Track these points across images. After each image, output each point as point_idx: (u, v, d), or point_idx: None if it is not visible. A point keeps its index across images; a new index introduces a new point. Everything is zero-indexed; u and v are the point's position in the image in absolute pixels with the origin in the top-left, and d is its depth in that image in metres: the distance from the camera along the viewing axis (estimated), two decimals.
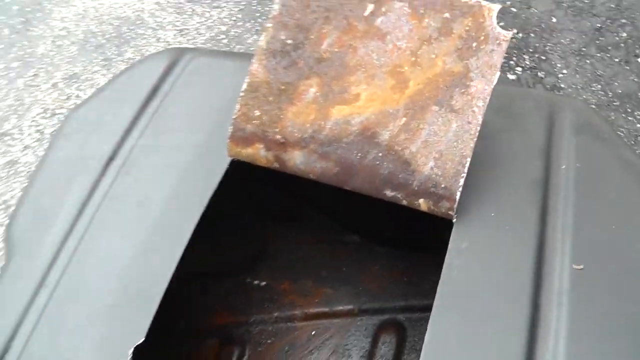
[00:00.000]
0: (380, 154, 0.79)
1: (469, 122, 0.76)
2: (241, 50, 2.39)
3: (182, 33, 2.51)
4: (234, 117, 0.88)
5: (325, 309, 1.34)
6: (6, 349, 0.83)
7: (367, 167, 0.80)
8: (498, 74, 0.77)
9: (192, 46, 2.43)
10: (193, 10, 2.61)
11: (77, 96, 2.38)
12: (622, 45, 2.19)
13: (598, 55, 2.17)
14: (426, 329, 1.25)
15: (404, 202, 0.80)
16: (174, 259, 0.83)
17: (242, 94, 0.88)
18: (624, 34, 2.24)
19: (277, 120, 0.85)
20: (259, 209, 1.34)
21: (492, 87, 0.77)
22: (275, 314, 1.35)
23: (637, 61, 2.16)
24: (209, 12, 2.59)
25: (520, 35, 2.29)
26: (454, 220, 0.79)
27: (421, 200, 0.78)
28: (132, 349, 0.77)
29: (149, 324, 0.78)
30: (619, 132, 1.88)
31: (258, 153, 0.87)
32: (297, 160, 0.84)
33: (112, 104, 1.08)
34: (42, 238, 0.92)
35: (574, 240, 0.76)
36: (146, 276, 0.84)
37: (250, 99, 0.87)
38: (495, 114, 0.88)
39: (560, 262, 0.74)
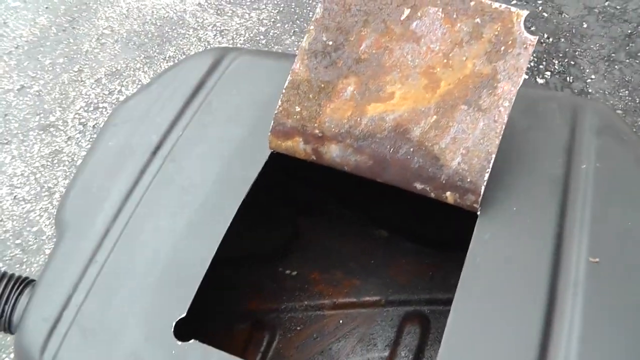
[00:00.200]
0: (411, 149, 0.85)
1: (495, 121, 0.82)
2: (279, 51, 2.46)
3: (222, 33, 2.60)
4: (276, 112, 0.94)
5: (353, 299, 1.39)
6: (58, 318, 0.89)
7: (398, 161, 0.86)
8: (524, 76, 0.82)
9: (232, 46, 2.51)
10: (233, 11, 2.69)
11: (120, 91, 2.48)
12: None
13: (627, 61, 2.19)
14: None
15: (432, 195, 0.85)
16: (215, 241, 0.88)
17: (284, 90, 0.94)
18: None
19: (316, 115, 0.91)
20: (292, 203, 1.40)
21: (518, 88, 0.82)
22: (305, 303, 1.40)
23: None
24: (248, 13, 2.67)
25: (551, 40, 2.32)
26: (478, 213, 0.84)
27: (448, 193, 0.84)
28: (174, 323, 0.83)
29: (191, 301, 0.84)
30: None
31: (297, 146, 0.93)
32: (333, 153, 0.91)
33: (159, 97, 1.13)
34: (92, 219, 0.98)
35: (591, 235, 0.81)
36: (189, 256, 0.90)
37: (292, 95, 0.94)
38: (520, 114, 0.93)
39: (577, 255, 0.79)
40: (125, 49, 2.62)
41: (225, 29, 2.62)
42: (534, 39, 0.83)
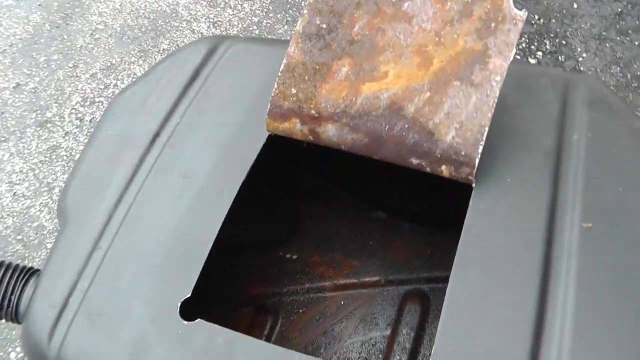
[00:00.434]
0: (406, 126, 0.87)
1: (488, 95, 0.83)
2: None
3: (216, 25, 2.61)
4: (272, 95, 0.95)
5: (354, 280, 1.42)
6: (65, 305, 0.90)
7: (394, 137, 0.88)
8: (514, 51, 0.84)
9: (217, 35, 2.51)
10: (226, 2, 2.70)
11: (115, 85, 2.50)
12: None
13: (618, 39, 2.21)
14: None
15: (428, 169, 0.87)
16: (217, 222, 0.90)
17: (279, 74, 0.95)
18: None
19: (312, 97, 0.93)
20: (290, 188, 1.41)
21: (509, 63, 0.84)
22: (307, 285, 1.42)
23: None
24: (241, 4, 2.68)
25: (542, 21, 2.34)
26: (473, 185, 0.86)
27: (443, 167, 0.86)
28: (179, 303, 0.84)
29: (195, 281, 0.86)
30: (637, 113, 1.92)
31: (294, 127, 0.95)
32: (330, 132, 0.92)
33: (156, 86, 1.14)
34: (94, 207, 0.99)
35: (583, 202, 0.83)
36: (191, 238, 0.91)
37: (287, 78, 0.95)
38: (512, 90, 0.95)
39: (570, 222, 0.81)
40: (120, 43, 2.63)
41: (219, 21, 2.63)
42: (523, 14, 0.85)
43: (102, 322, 0.88)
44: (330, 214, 1.45)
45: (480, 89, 0.84)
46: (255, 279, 1.42)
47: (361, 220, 1.45)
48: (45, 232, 2.15)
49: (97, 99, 2.47)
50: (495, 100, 0.83)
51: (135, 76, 2.51)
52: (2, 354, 1.89)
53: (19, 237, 2.14)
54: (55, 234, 2.13)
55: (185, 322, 0.83)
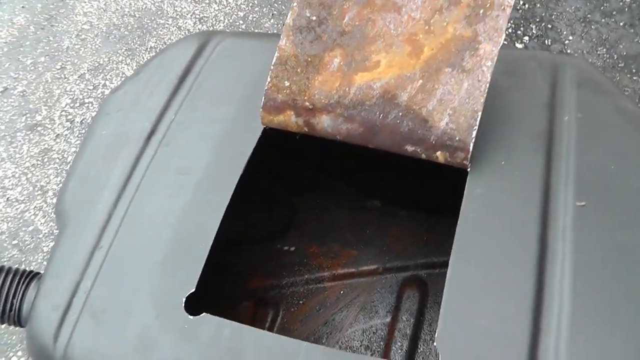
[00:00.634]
0: (400, 114, 0.88)
1: (479, 81, 0.85)
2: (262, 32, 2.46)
3: (202, 21, 2.60)
4: (266, 88, 0.96)
5: (352, 270, 1.43)
6: (69, 305, 0.91)
7: (388, 125, 0.89)
8: (504, 36, 0.85)
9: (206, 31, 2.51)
10: None
11: (104, 85, 2.49)
12: (627, 9, 2.25)
13: (603, 20, 2.23)
14: None
15: (423, 156, 0.89)
16: (218, 215, 0.90)
17: (272, 67, 0.95)
18: None
19: (305, 89, 0.94)
20: (286, 181, 1.42)
21: (499, 48, 0.85)
22: (306, 276, 1.43)
23: None
24: None
25: (527, 6, 2.35)
26: (468, 170, 0.88)
27: (438, 153, 0.87)
28: (184, 298, 0.85)
29: (198, 276, 0.86)
30: (624, 92, 1.95)
31: (289, 119, 0.96)
32: (324, 123, 0.93)
33: (147, 84, 1.14)
34: (93, 207, 0.99)
35: (576, 181, 0.85)
36: (192, 234, 0.92)
37: (280, 71, 0.96)
38: (502, 74, 0.96)
39: (564, 201, 0.83)
40: (106, 42, 2.62)
41: (205, 16, 2.62)
42: (511, 0, 0.86)
43: (107, 321, 0.88)
44: (326, 205, 1.46)
45: (472, 75, 0.85)
46: (254, 273, 1.43)
47: (357, 209, 1.47)
48: (40, 236, 2.14)
49: (86, 100, 2.46)
50: (487, 85, 0.84)
51: (123, 75, 2.50)
52: (3, 359, 1.89)
53: (15, 242, 2.14)
54: (51, 237, 2.13)
55: (191, 317, 0.84)
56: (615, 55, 2.14)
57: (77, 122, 2.40)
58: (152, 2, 2.73)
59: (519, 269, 0.79)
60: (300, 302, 1.42)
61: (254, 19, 2.56)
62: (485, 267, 0.81)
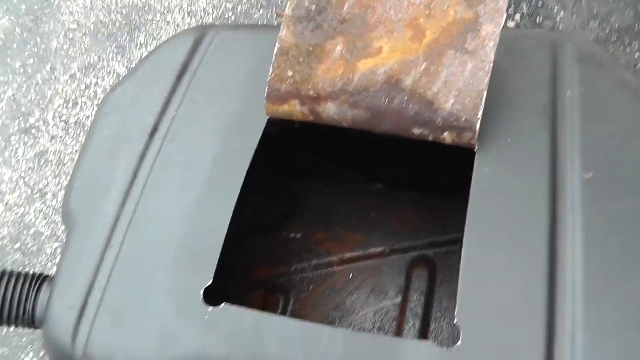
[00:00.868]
0: (405, 98, 0.89)
1: (483, 61, 0.86)
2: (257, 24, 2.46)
3: (191, 14, 2.59)
4: (269, 79, 0.96)
5: (360, 253, 1.45)
6: (85, 304, 0.91)
7: (394, 110, 0.90)
8: (505, 16, 0.86)
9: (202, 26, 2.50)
10: None
11: (97, 84, 2.48)
12: None
13: None
14: (453, 261, 1.36)
15: (430, 138, 0.90)
16: (230, 207, 0.91)
17: (274, 57, 0.96)
18: None
19: (309, 78, 0.95)
20: (286, 168, 1.43)
21: (500, 29, 0.87)
22: (314, 262, 1.45)
23: None
24: None
25: None
26: (476, 149, 0.89)
27: (446, 134, 0.89)
28: (203, 290, 0.86)
29: (215, 268, 0.87)
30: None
31: (294, 109, 0.97)
32: (330, 111, 0.94)
33: (146, 82, 1.13)
34: (101, 206, 0.99)
35: (582, 154, 0.87)
36: (205, 227, 0.92)
37: (282, 61, 0.96)
38: (502, 55, 0.97)
39: (572, 175, 0.85)
40: (95, 41, 2.61)
41: (193, 10, 2.61)
42: None
43: (125, 317, 0.89)
44: (329, 190, 1.47)
45: (475, 56, 0.87)
46: (262, 262, 1.44)
47: (361, 193, 1.48)
48: (43, 238, 2.15)
49: (79, 100, 2.45)
50: (491, 65, 0.86)
51: (115, 73, 2.49)
52: None
53: (17, 245, 2.14)
54: (54, 239, 2.14)
55: (211, 308, 0.85)
56: (607, 29, 2.16)
57: (72, 122, 2.39)
58: None
59: (532, 243, 0.81)
60: (310, 287, 1.43)
61: (243, 11, 2.55)
62: (498, 244, 0.83)
